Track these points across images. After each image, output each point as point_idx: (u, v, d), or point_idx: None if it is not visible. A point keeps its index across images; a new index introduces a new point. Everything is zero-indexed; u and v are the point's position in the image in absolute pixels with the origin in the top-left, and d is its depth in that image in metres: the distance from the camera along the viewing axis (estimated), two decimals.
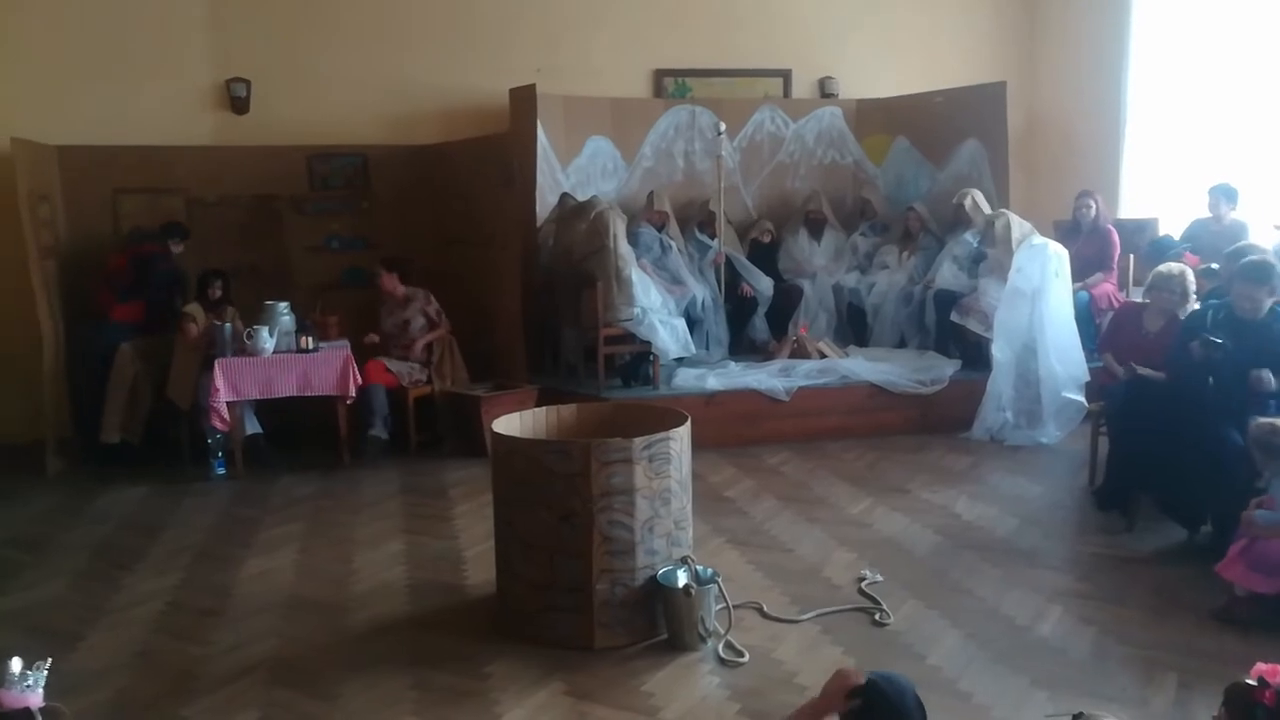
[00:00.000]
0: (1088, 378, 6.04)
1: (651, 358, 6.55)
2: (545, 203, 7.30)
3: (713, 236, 7.53)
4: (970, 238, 7.14)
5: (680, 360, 6.76)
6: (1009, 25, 8.89)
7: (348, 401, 6.00)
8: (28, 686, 1.81)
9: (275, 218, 7.26)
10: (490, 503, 3.86)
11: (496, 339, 6.88)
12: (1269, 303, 4.36)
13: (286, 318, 6.10)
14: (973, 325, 6.74)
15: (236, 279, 6.78)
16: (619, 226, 6.54)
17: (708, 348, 7.22)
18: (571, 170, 7.65)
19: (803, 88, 8.56)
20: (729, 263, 7.49)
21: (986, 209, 7.18)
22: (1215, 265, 5.89)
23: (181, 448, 6.15)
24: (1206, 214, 6.96)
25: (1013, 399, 6.28)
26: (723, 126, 7.39)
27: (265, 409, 6.14)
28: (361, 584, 4.24)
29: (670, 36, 8.19)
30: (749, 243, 8.00)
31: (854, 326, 7.68)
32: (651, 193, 7.60)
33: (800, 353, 7.01)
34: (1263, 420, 3.79)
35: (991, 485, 5.41)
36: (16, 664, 1.83)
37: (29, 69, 6.75)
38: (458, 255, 7.16)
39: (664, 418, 3.84)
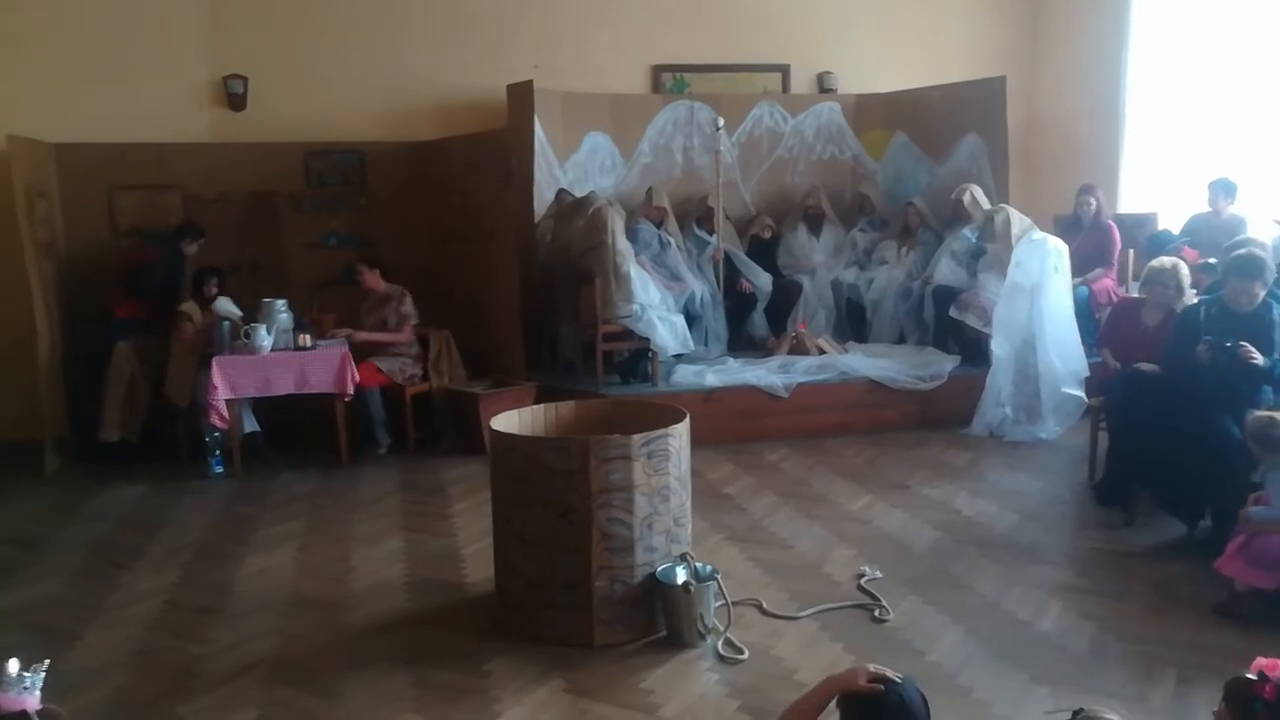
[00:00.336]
0: (1087, 373, 6.03)
1: (650, 354, 6.55)
2: (543, 199, 7.28)
3: (711, 232, 7.52)
4: (969, 233, 7.13)
5: (679, 357, 6.75)
6: (1009, 21, 8.87)
7: (346, 399, 5.99)
8: (25, 689, 1.80)
9: (273, 215, 7.25)
10: (489, 500, 3.85)
11: (494, 336, 6.86)
12: (1262, 296, 4.36)
13: (284, 315, 6.08)
14: (972, 321, 6.73)
15: (234, 276, 6.77)
16: (617, 223, 6.53)
17: (706, 344, 7.22)
18: (570, 166, 7.64)
19: (801, 83, 8.54)
20: (728, 259, 7.49)
21: (985, 204, 7.17)
22: (1213, 260, 5.90)
23: (179, 446, 6.14)
24: (1205, 208, 6.96)
25: (1012, 394, 6.27)
26: (721, 122, 7.38)
27: (263, 406, 6.13)
28: (360, 582, 4.23)
29: (668, 32, 8.18)
30: (748, 239, 7.99)
31: (853, 322, 7.68)
32: (650, 189, 7.59)
33: (799, 349, 7.01)
34: (1260, 413, 3.79)
35: (991, 481, 5.41)
36: (14, 665, 1.82)
37: (26, 66, 6.73)
38: (455, 252, 7.14)
39: (663, 414, 3.83)
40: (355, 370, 5.97)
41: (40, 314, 6.01)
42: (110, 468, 6.03)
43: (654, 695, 3.18)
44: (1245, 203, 6.91)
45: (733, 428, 6.27)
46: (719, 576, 3.57)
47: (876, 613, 3.72)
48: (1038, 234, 6.43)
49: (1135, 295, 5.90)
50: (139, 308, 6.35)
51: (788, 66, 8.49)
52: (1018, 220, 6.76)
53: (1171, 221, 7.35)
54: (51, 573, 4.42)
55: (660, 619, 3.57)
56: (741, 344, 7.50)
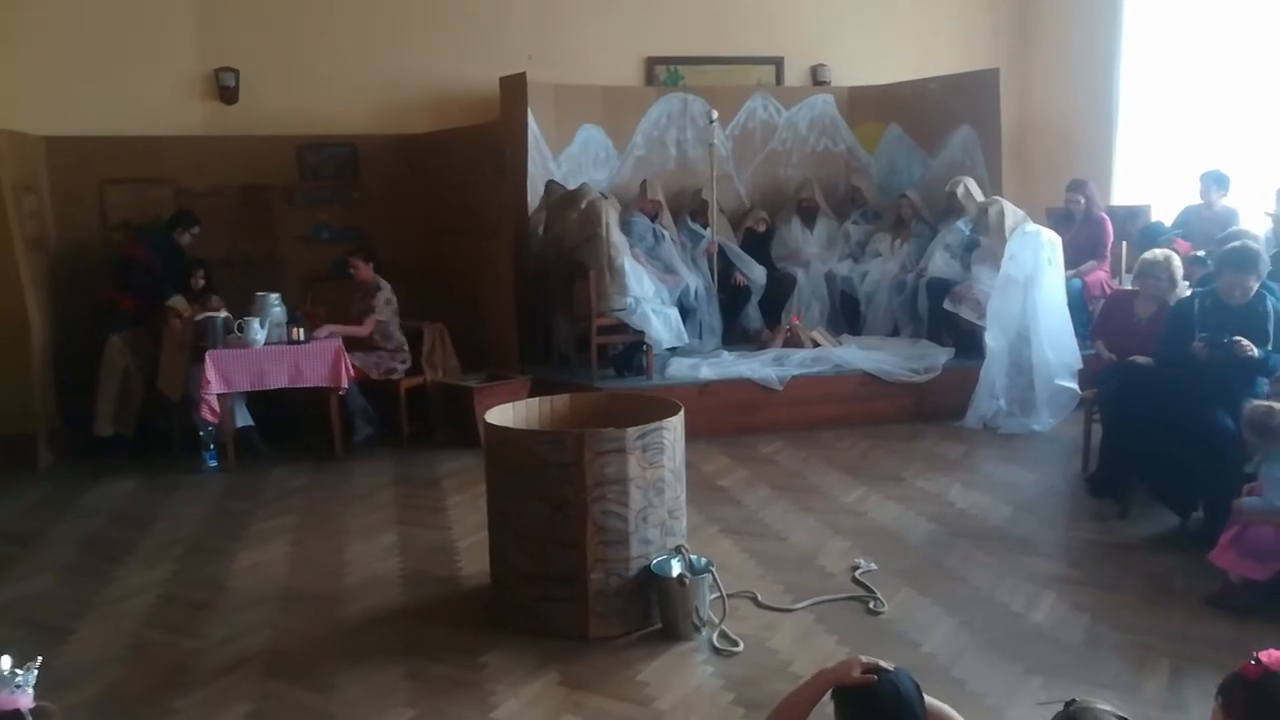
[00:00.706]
0: (1081, 365, 6.04)
1: (645, 347, 6.54)
2: (537, 192, 7.26)
3: (705, 225, 7.51)
4: (963, 225, 7.13)
5: (673, 350, 6.74)
6: (1002, 13, 8.88)
7: (340, 393, 5.98)
8: (18, 686, 1.79)
9: (265, 208, 7.23)
10: (483, 493, 3.85)
11: (489, 329, 6.85)
12: (1255, 288, 4.37)
13: (277, 309, 6.07)
14: (966, 313, 6.74)
15: (227, 270, 6.75)
16: (611, 215, 6.52)
17: (701, 337, 7.21)
18: (563, 159, 7.62)
19: (795, 75, 8.53)
20: (722, 252, 7.48)
21: (979, 196, 7.17)
22: (1202, 253, 5.91)
23: (172, 440, 6.12)
24: (1197, 201, 6.97)
25: (1006, 387, 6.28)
26: (715, 114, 7.37)
27: (257, 400, 6.11)
28: (355, 575, 4.22)
29: (662, 24, 8.16)
30: (743, 232, 7.98)
31: (847, 315, 7.68)
32: (644, 181, 7.58)
33: (793, 342, 7.01)
34: (1258, 402, 3.79)
35: (985, 473, 5.42)
36: (6, 662, 1.80)
37: (15, 59, 6.68)
38: (449, 245, 7.13)
39: (657, 407, 3.82)
40: (350, 364, 5.95)
41: (32, 308, 5.98)
42: (103, 462, 6.01)
43: (649, 688, 3.18)
44: (1237, 195, 6.92)
45: (727, 420, 6.27)
46: (714, 569, 3.58)
47: (871, 605, 3.73)
48: (1031, 226, 6.43)
49: (1128, 288, 5.90)
50: (138, 301, 6.32)
51: (781, 59, 8.48)
52: (1011, 212, 6.75)
53: (1164, 214, 7.36)
54: (44, 568, 4.41)
55: (655, 611, 3.57)
56: (736, 337, 7.49)
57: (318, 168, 7.36)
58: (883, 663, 2.06)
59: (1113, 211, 7.46)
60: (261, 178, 7.18)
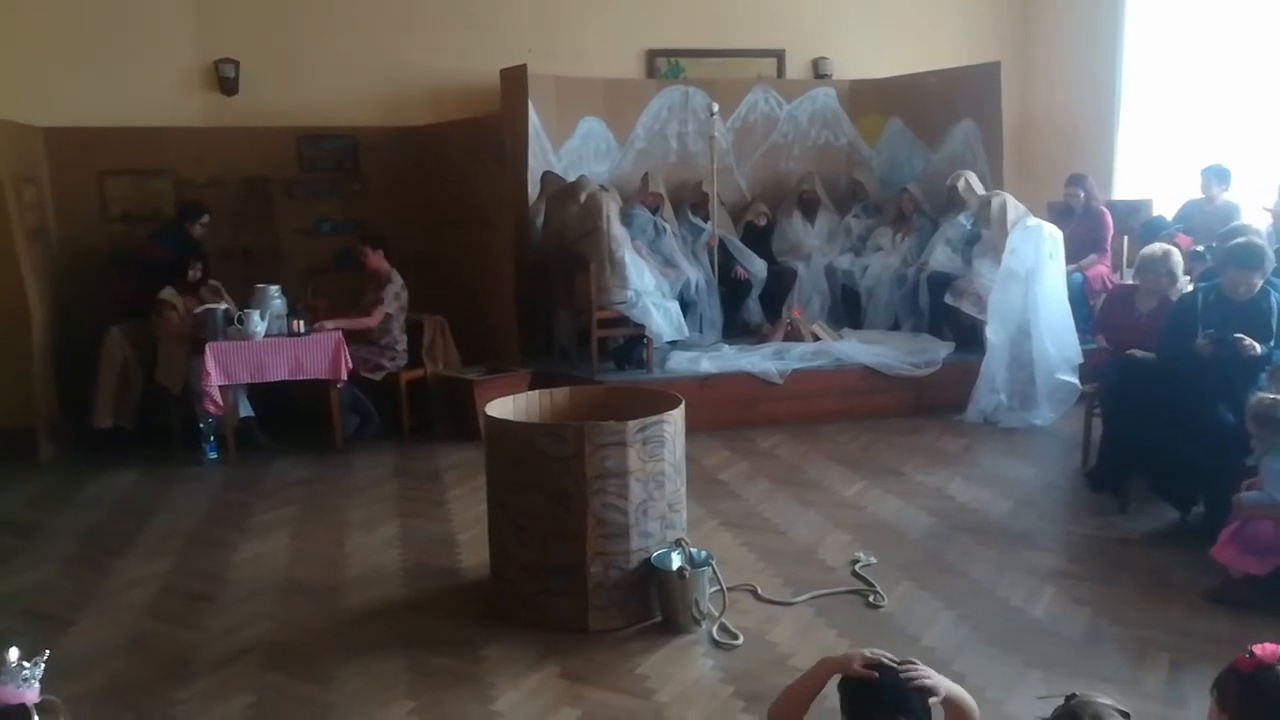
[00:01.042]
0: (1081, 360, 6.04)
1: (645, 341, 6.54)
2: (537, 185, 7.25)
3: (706, 219, 7.50)
4: (964, 220, 7.12)
5: (674, 343, 6.74)
6: (1004, 6, 8.85)
7: (339, 385, 5.97)
8: (25, 680, 1.78)
9: (265, 200, 7.21)
10: (484, 486, 3.84)
11: (489, 322, 6.85)
12: (1260, 284, 4.36)
13: (277, 301, 6.06)
14: (966, 307, 6.73)
15: (227, 261, 6.74)
16: (612, 208, 6.51)
17: (701, 330, 7.21)
18: (564, 152, 7.60)
19: (796, 68, 8.51)
20: (723, 245, 7.47)
21: (980, 190, 7.16)
22: (1200, 248, 5.90)
23: (173, 432, 6.12)
24: (1199, 195, 6.96)
25: (1006, 381, 6.28)
26: (716, 107, 7.35)
27: (256, 391, 6.11)
28: (355, 568, 4.23)
29: (662, 16, 8.14)
30: (743, 225, 7.97)
31: (848, 309, 7.67)
32: (646, 174, 7.57)
33: (794, 335, 7.00)
34: (1263, 394, 3.78)
35: (985, 467, 5.42)
36: (14, 654, 1.79)
37: (14, 50, 6.66)
38: (450, 237, 7.12)
39: (658, 401, 3.82)
40: (349, 356, 5.95)
41: (33, 300, 5.98)
42: (104, 454, 6.01)
43: (649, 681, 3.19)
44: (1238, 190, 6.91)
45: (728, 414, 6.27)
46: (714, 562, 3.58)
47: (871, 598, 3.73)
48: (1032, 221, 6.42)
49: (1129, 282, 5.90)
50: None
51: (783, 51, 8.46)
52: (1013, 206, 6.75)
53: (1166, 208, 7.35)
54: (45, 559, 4.41)
55: (655, 604, 3.57)
56: (736, 330, 7.49)
57: (318, 160, 7.34)
58: (886, 657, 2.06)
59: (1114, 206, 7.45)
60: (261, 169, 7.16)
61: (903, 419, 6.38)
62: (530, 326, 6.99)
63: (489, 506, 3.77)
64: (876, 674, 2.00)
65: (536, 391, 4.16)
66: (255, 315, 5.87)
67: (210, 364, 5.65)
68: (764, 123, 8.19)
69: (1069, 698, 1.86)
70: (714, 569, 3.55)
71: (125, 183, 6.83)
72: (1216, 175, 6.86)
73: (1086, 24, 8.41)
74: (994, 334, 6.26)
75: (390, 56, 7.48)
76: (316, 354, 5.89)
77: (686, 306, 6.98)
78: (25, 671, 1.77)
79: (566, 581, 3.51)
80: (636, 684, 3.17)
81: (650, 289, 6.56)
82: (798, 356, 6.62)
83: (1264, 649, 1.89)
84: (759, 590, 3.82)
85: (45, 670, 1.80)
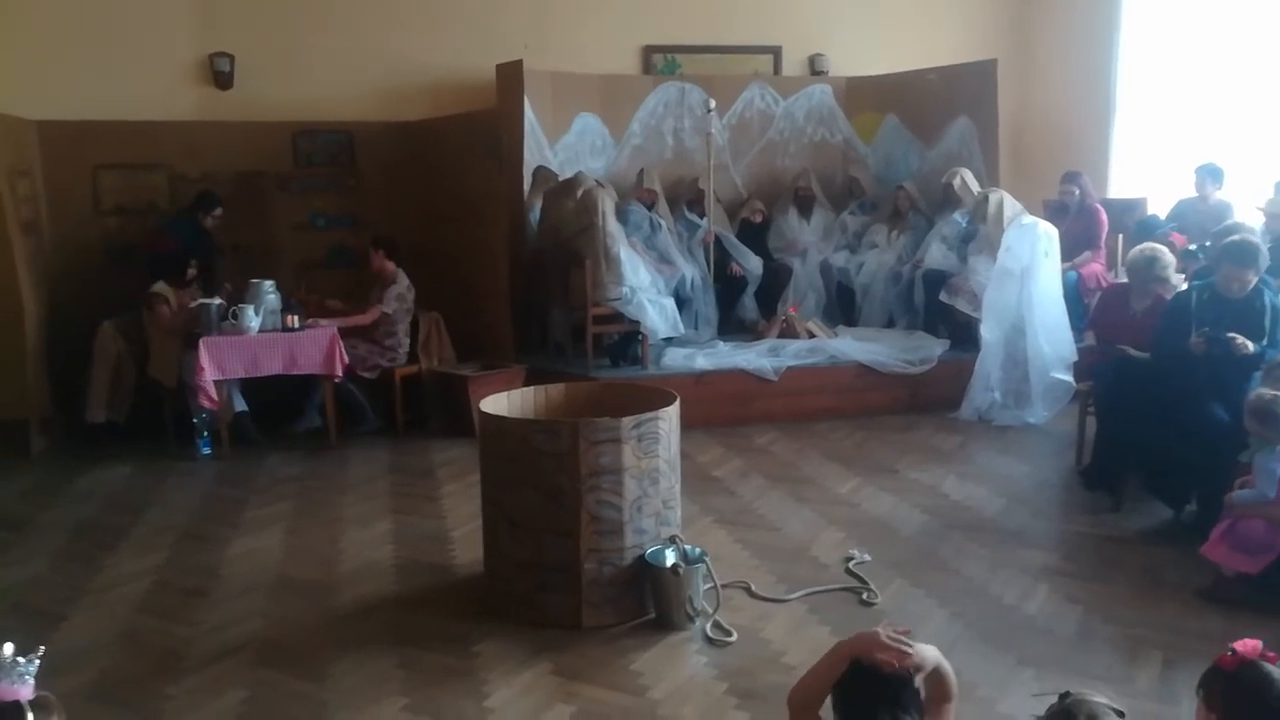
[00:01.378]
0: (1076, 358, 6.04)
1: (640, 337, 6.53)
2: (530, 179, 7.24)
3: (702, 215, 7.49)
4: (959, 217, 7.12)
5: (669, 340, 6.74)
6: (1000, 4, 8.85)
7: (335, 380, 5.96)
8: (19, 676, 1.76)
9: (260, 195, 7.18)
10: (478, 482, 3.84)
11: (484, 318, 6.84)
12: (1254, 282, 4.37)
13: (272, 296, 6.04)
14: (961, 305, 6.74)
15: (222, 257, 6.71)
16: (608, 204, 6.50)
17: (696, 327, 7.20)
18: (560, 148, 7.59)
19: (793, 65, 8.51)
20: (718, 242, 7.47)
21: (976, 188, 7.16)
22: (1193, 246, 5.92)
23: (166, 427, 6.10)
24: (1192, 194, 6.98)
25: (1001, 379, 6.28)
26: (712, 104, 7.34)
27: (250, 386, 6.09)
28: (349, 564, 4.22)
29: (659, 12, 8.13)
30: (739, 222, 7.96)
31: (843, 306, 7.67)
32: (641, 170, 7.56)
33: (789, 332, 7.00)
34: (1263, 390, 3.78)
35: (979, 465, 5.42)
36: (9, 650, 1.78)
37: (8, 42, 6.64)
38: (445, 233, 7.10)
39: (652, 397, 3.82)
40: (344, 351, 5.93)
41: (26, 293, 5.95)
42: (97, 448, 5.99)
43: (643, 677, 3.18)
44: (1232, 189, 6.93)
45: (722, 411, 6.27)
46: (708, 559, 3.57)
47: (864, 595, 3.73)
48: (1028, 218, 6.42)
49: (1123, 280, 5.91)
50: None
51: (779, 48, 8.45)
52: (1010, 204, 6.75)
53: (1160, 206, 7.37)
54: (36, 554, 4.40)
55: (649, 601, 3.57)
56: (731, 327, 7.49)
57: (313, 154, 7.31)
58: (896, 631, 2.05)
59: (1109, 204, 7.46)
60: (256, 164, 7.14)
61: (897, 416, 6.39)
62: (525, 322, 6.98)
63: (483, 503, 3.76)
64: (894, 662, 2.00)
65: (531, 388, 4.16)
66: (249, 310, 5.85)
67: (204, 358, 5.63)
68: (760, 119, 8.18)
69: (1063, 696, 1.86)
70: (708, 566, 3.55)
71: (119, 176, 6.81)
72: (1210, 174, 6.88)
73: (1083, 22, 8.42)
74: (989, 332, 6.27)
75: (386, 51, 7.46)
76: (311, 349, 5.87)
77: (682, 303, 6.97)
78: (20, 668, 1.76)
79: (560, 578, 3.51)
80: (630, 681, 3.17)
81: (645, 285, 6.55)
82: (793, 353, 6.62)
83: (1245, 645, 1.89)
84: (753, 587, 3.82)
85: (39, 665, 1.79)
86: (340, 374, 5.94)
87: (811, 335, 6.98)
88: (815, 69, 8.52)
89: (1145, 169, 8.06)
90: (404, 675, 3.23)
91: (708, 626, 3.47)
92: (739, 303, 7.63)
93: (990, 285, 6.33)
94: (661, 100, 7.92)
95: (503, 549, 3.65)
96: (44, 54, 6.71)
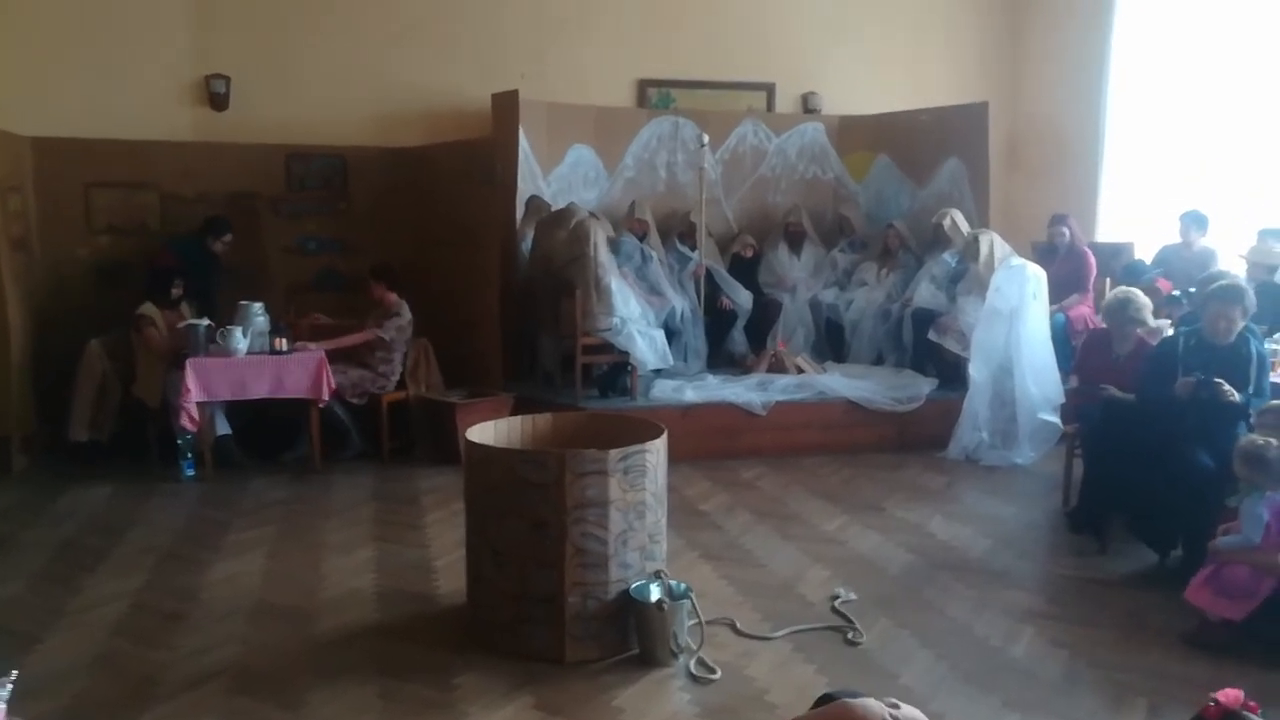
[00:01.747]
0: (1063, 399, 6.06)
1: (629, 368, 6.53)
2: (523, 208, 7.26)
3: (693, 248, 7.52)
4: (949, 257, 7.17)
5: (658, 372, 6.74)
6: (991, 46, 8.97)
7: (320, 405, 5.93)
8: None
9: (252, 217, 7.18)
10: (463, 511, 3.81)
11: (474, 345, 6.83)
12: (1240, 325, 4.40)
13: (261, 319, 6.02)
14: (950, 344, 6.77)
15: (224, 283, 6.69)
16: (600, 235, 6.52)
17: (686, 360, 7.20)
18: (553, 178, 7.62)
19: (786, 102, 8.59)
20: (709, 275, 7.49)
21: (966, 229, 7.22)
22: (1177, 292, 5.97)
23: (149, 447, 6.05)
24: (1177, 240, 7.06)
25: (989, 419, 6.30)
26: (706, 138, 7.39)
27: (235, 409, 6.05)
28: (330, 591, 4.17)
29: (655, 47, 8.21)
30: (730, 256, 8.00)
31: (832, 342, 7.70)
32: (633, 202, 7.60)
33: (778, 367, 7.02)
34: (1253, 436, 3.80)
35: (966, 505, 5.42)
36: None
37: (3, 57, 6.64)
38: (436, 259, 7.10)
39: (640, 429, 3.81)
40: (331, 376, 5.91)
41: (13, 309, 5.92)
42: (79, 467, 5.94)
43: (625, 714, 3.15)
44: (1216, 235, 7.01)
45: (710, 444, 6.26)
46: (693, 595, 3.55)
47: (849, 635, 3.71)
48: (1016, 260, 6.48)
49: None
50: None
51: (773, 85, 8.54)
52: (1000, 245, 6.81)
53: (1148, 251, 7.44)
54: (14, 574, 4.33)
55: (633, 636, 3.54)
56: (721, 361, 7.49)
57: (305, 178, 7.33)
58: (895, 711, 2.01)
59: (1097, 248, 7.53)
60: (249, 185, 7.14)
61: (885, 454, 6.39)
62: (515, 351, 6.97)
63: (467, 532, 3.74)
64: None
65: (518, 417, 4.14)
66: (237, 332, 5.82)
67: (190, 380, 5.59)
68: (753, 155, 8.25)
69: None
70: (693, 602, 3.52)
71: (112, 195, 6.80)
72: (1195, 221, 6.97)
73: (1073, 66, 8.54)
74: (977, 372, 6.29)
75: (382, 76, 7.50)
76: (298, 373, 5.84)
77: (671, 335, 6.98)
78: None
79: (544, 610, 3.48)
80: (612, 717, 3.13)
81: (636, 316, 6.56)
82: (781, 389, 6.62)
83: (1227, 695, 1.89)
84: (737, 624, 3.79)
85: (12, 690, 1.76)
86: (326, 398, 5.91)
87: (800, 371, 6.99)
88: (808, 107, 8.60)
89: (1133, 213, 8.15)
90: (383, 706, 3.19)
91: (691, 663, 3.44)
92: (728, 336, 7.65)
93: (979, 325, 6.36)
94: (655, 134, 7.98)
95: (486, 579, 3.62)
96: (40, 70, 6.72)
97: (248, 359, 5.81)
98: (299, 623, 3.84)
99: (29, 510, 5.24)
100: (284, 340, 5.93)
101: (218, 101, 7.23)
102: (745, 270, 7.90)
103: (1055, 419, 6.03)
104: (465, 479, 3.74)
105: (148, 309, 6.07)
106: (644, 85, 8.27)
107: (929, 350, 6.98)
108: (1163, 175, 7.91)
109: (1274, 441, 3.71)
